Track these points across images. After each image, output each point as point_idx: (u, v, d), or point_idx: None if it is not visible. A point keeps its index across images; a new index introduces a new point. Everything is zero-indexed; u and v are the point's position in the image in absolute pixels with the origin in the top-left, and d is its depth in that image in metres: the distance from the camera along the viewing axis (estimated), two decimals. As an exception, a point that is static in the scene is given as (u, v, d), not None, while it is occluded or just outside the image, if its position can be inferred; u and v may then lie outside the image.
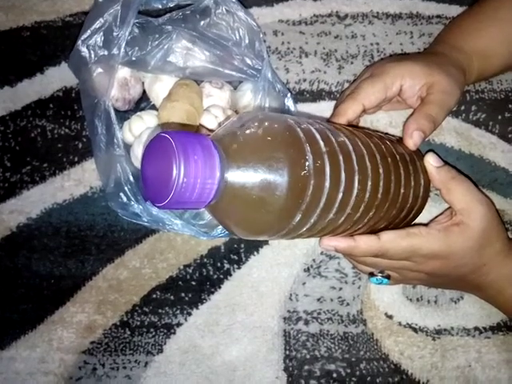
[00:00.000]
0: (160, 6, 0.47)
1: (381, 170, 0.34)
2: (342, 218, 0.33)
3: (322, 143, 0.30)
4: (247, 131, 0.28)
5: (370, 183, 0.33)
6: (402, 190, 0.36)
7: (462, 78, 0.43)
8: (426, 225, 0.40)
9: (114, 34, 0.44)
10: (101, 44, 0.45)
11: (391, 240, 0.37)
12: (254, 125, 0.28)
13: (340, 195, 0.31)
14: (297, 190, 0.28)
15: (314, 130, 0.31)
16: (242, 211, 0.28)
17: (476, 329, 0.47)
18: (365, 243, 0.36)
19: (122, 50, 0.44)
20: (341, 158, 0.31)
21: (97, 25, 0.44)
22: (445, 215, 0.42)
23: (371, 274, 0.42)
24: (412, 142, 0.39)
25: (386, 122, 0.50)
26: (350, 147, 0.32)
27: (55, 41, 0.55)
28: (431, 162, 0.39)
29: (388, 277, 0.42)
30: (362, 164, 0.32)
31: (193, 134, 0.28)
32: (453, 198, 0.39)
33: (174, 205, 0.27)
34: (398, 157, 0.37)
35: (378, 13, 0.54)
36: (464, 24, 0.46)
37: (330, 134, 0.32)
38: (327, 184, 0.30)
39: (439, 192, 0.40)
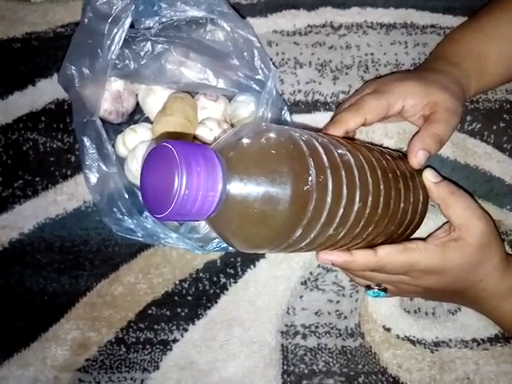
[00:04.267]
0: (151, 24, 0.47)
1: (382, 186, 0.34)
2: (342, 233, 0.32)
3: (324, 157, 0.30)
4: (250, 143, 0.28)
5: (370, 199, 0.32)
6: (402, 205, 0.36)
7: (462, 95, 0.43)
8: (423, 239, 0.40)
9: (101, 56, 0.43)
10: (88, 65, 0.43)
11: (388, 255, 0.37)
12: (257, 137, 0.28)
13: (341, 210, 0.30)
14: (299, 205, 0.28)
15: (316, 144, 0.30)
16: (242, 224, 0.28)
17: (474, 340, 0.46)
18: (362, 258, 0.36)
19: (109, 70, 0.43)
20: (343, 172, 0.30)
21: (83, 45, 0.43)
22: (443, 230, 0.41)
23: (368, 287, 0.42)
24: (416, 161, 0.39)
25: (382, 132, 0.50)
26: (352, 161, 0.32)
27: (47, 52, 0.54)
28: (429, 177, 0.39)
29: (385, 290, 0.42)
30: (364, 179, 0.32)
31: (196, 144, 0.27)
32: (451, 213, 0.38)
33: (174, 216, 0.26)
34: (398, 172, 0.37)
35: (372, 23, 0.53)
36: (463, 40, 0.46)
37: (332, 148, 0.31)
38: (329, 199, 0.29)
39: (438, 207, 0.40)
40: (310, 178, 0.28)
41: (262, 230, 0.28)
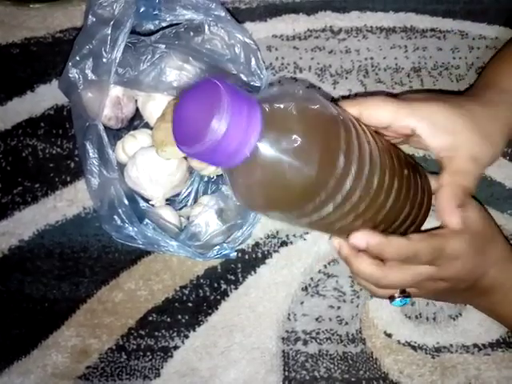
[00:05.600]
0: (152, 28, 0.47)
1: (406, 171, 0.35)
2: (364, 206, 0.32)
3: (354, 131, 0.30)
4: (289, 103, 0.28)
5: (395, 181, 0.33)
6: (415, 193, 0.36)
7: (501, 135, 0.38)
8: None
9: (105, 56, 0.43)
10: (91, 67, 0.44)
11: (421, 239, 0.35)
12: (295, 98, 0.28)
13: (364, 177, 0.31)
14: (327, 168, 0.28)
15: (342, 113, 0.31)
16: (267, 180, 0.28)
17: (475, 346, 0.46)
18: (396, 242, 0.34)
19: (113, 72, 0.43)
20: (367, 149, 0.31)
21: (86, 48, 0.44)
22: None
23: (391, 298, 0.40)
24: (456, 221, 0.36)
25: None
26: (372, 141, 0.33)
27: (46, 57, 0.54)
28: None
29: (409, 295, 0.40)
30: (383, 159, 0.33)
31: (239, 89, 0.27)
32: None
33: (204, 153, 0.25)
34: (412, 161, 0.38)
35: (371, 27, 0.53)
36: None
37: (355, 122, 0.32)
38: (355, 165, 0.30)
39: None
40: (341, 143, 0.29)
41: (285, 188, 0.28)
